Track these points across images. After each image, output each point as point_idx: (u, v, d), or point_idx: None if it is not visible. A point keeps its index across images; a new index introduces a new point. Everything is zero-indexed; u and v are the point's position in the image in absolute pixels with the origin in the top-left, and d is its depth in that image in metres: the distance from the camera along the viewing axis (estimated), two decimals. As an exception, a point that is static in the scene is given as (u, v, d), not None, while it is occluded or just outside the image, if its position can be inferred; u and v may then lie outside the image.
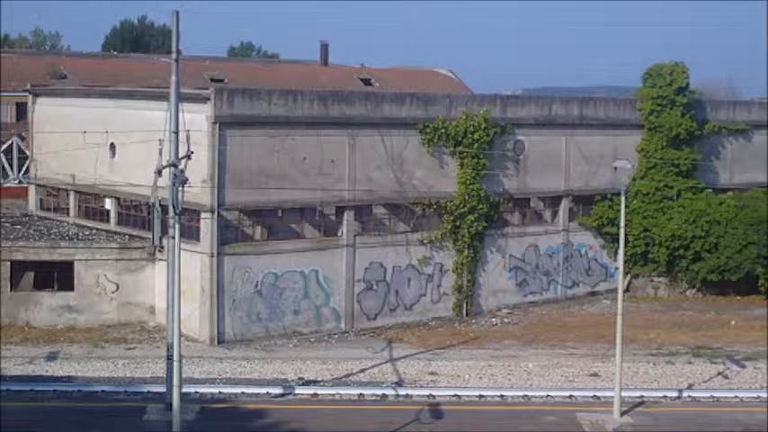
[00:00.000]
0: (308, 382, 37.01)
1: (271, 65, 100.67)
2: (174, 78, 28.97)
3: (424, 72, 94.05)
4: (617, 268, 37.90)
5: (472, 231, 50.87)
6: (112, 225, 50.11)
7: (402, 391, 35.54)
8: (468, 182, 50.54)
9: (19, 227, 51.21)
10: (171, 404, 28.16)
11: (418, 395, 34.72)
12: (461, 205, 50.37)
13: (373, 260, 48.08)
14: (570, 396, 36.05)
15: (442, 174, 50.42)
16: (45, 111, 56.38)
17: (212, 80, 79.65)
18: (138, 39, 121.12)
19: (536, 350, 43.86)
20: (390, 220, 50.00)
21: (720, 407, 33.78)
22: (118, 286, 45.86)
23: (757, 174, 63.39)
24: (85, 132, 49.97)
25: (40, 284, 45.66)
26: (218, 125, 43.59)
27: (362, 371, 39.25)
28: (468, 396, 35.67)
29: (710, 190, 59.47)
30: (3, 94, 75.18)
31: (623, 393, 31.69)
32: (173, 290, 28.52)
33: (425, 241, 49.97)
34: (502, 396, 35.89)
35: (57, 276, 45.64)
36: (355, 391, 35.50)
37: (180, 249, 27.99)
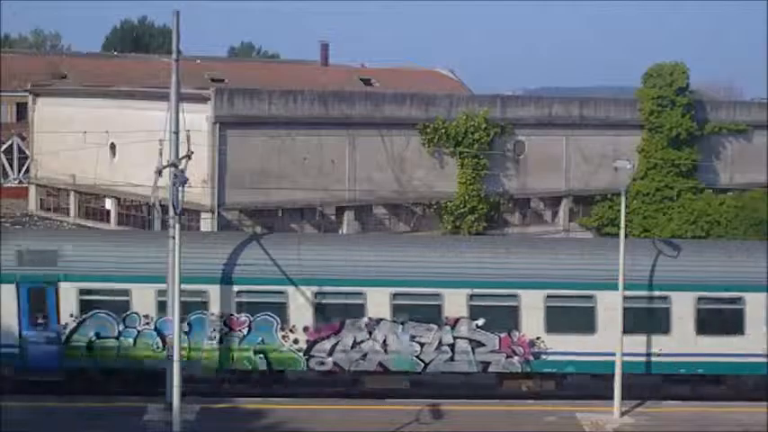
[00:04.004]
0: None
1: (271, 65, 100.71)
2: (174, 78, 28.95)
3: (424, 72, 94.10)
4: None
5: (472, 231, 50.85)
6: (113, 225, 50.18)
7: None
8: (468, 182, 50.56)
9: (19, 227, 51.19)
10: (171, 404, 28.15)
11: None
12: (461, 205, 50.38)
13: (373, 260, 47.96)
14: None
15: (442, 174, 50.45)
16: (45, 111, 56.43)
17: (212, 80, 79.70)
18: (138, 39, 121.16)
19: (536, 350, 43.63)
20: (390, 220, 50.03)
21: (720, 407, 33.72)
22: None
23: (757, 174, 63.45)
24: (85, 132, 50.01)
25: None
26: (218, 125, 43.66)
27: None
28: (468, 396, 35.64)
29: (710, 190, 59.49)
30: (3, 94, 75.20)
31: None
32: (173, 289, 28.51)
33: (425, 241, 49.91)
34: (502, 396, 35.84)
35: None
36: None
37: (180, 249, 27.97)
